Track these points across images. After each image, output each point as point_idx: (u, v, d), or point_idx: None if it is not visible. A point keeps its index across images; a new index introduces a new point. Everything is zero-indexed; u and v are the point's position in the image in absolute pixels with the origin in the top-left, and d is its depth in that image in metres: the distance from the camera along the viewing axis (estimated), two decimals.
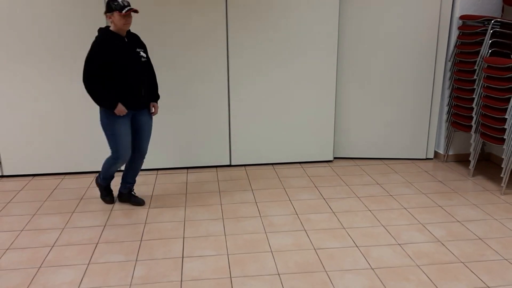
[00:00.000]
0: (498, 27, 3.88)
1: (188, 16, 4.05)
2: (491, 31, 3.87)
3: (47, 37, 3.95)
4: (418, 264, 2.73)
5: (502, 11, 4.27)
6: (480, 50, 3.96)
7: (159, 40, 4.07)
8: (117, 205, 3.60)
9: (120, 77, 3.15)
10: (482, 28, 3.94)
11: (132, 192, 3.61)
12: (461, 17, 4.21)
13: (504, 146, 3.71)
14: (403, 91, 4.46)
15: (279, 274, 2.63)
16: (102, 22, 3.96)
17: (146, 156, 4.33)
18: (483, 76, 3.91)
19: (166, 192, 3.85)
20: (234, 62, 4.21)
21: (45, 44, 3.96)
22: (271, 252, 2.88)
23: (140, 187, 3.97)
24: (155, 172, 4.35)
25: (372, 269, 2.68)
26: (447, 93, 4.46)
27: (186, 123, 4.31)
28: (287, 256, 2.83)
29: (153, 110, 3.43)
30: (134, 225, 3.26)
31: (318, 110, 4.42)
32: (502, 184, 3.79)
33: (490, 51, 3.89)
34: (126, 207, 3.56)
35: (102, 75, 3.10)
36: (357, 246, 2.95)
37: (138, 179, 4.15)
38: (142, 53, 3.25)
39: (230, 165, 4.48)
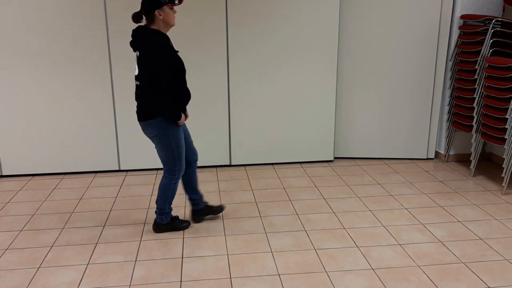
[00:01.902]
0: (499, 26, 3.87)
1: (188, 18, 4.04)
2: (492, 31, 3.86)
3: (47, 38, 3.94)
4: (419, 264, 2.72)
5: (503, 10, 4.26)
6: (481, 49, 3.95)
7: None
8: (116, 205, 3.59)
9: (181, 81, 2.85)
10: (483, 28, 3.93)
11: (207, 203, 3.30)
12: (462, 17, 4.20)
13: (505, 146, 3.70)
14: (403, 91, 4.45)
15: (279, 275, 2.62)
16: (102, 24, 3.95)
17: (146, 156, 4.33)
18: (484, 75, 3.90)
19: None
20: (234, 62, 4.20)
21: (45, 45, 3.96)
22: (271, 252, 2.87)
23: (140, 187, 3.96)
24: (155, 172, 4.34)
25: (373, 269, 2.67)
26: (447, 92, 4.45)
27: (186, 123, 4.30)
28: (287, 256, 2.82)
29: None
30: (133, 225, 3.26)
31: (318, 109, 4.41)
32: (503, 184, 3.78)
33: (491, 50, 3.88)
34: (126, 207, 3.55)
35: (168, 82, 2.75)
36: (357, 246, 2.94)
37: (138, 179, 4.15)
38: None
39: (230, 165, 4.48)
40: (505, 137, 3.70)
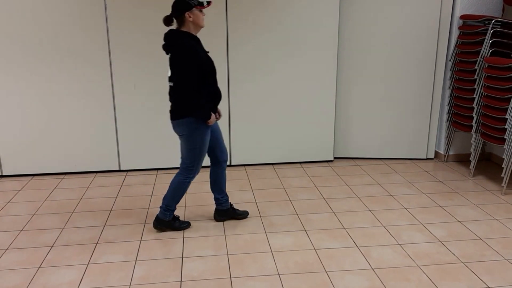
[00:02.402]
0: (499, 26, 3.87)
1: None
2: (492, 31, 3.86)
3: (46, 38, 3.95)
4: (419, 264, 2.73)
5: (503, 10, 4.27)
6: (480, 50, 3.95)
7: (158, 40, 4.07)
8: (117, 205, 3.59)
9: (211, 82, 2.90)
10: (483, 28, 3.94)
11: (232, 206, 3.33)
12: (462, 17, 4.20)
13: (505, 146, 3.71)
14: (403, 91, 4.46)
15: (279, 275, 2.62)
16: (102, 24, 3.95)
17: (146, 156, 4.33)
18: (483, 76, 3.90)
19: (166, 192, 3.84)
20: (234, 62, 4.20)
21: (45, 45, 3.96)
22: (271, 252, 2.87)
23: (140, 187, 3.97)
24: (155, 172, 4.34)
25: (373, 269, 2.68)
26: (447, 93, 4.46)
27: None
28: (287, 256, 2.82)
29: (218, 115, 3.11)
30: (133, 225, 3.26)
31: (318, 110, 4.41)
32: (503, 184, 3.78)
33: (490, 51, 3.89)
34: (126, 207, 3.56)
35: (198, 83, 2.82)
36: (357, 246, 2.94)
37: (138, 179, 4.15)
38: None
39: (230, 165, 4.48)
40: (505, 137, 3.70)
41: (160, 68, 4.13)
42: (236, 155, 4.45)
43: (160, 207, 3.12)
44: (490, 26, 3.86)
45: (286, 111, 4.39)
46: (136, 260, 2.79)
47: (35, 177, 4.22)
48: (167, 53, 2.88)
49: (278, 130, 4.43)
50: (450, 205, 3.56)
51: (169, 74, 2.88)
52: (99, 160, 4.28)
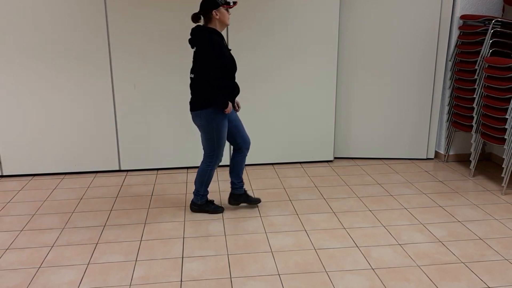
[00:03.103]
0: (499, 26, 3.87)
1: (186, 17, 4.05)
2: (492, 31, 3.86)
3: (46, 38, 3.95)
4: (419, 264, 2.73)
5: (503, 10, 4.27)
6: (480, 50, 3.95)
7: (158, 40, 4.07)
8: (117, 205, 3.59)
9: (231, 76, 3.10)
10: (483, 28, 3.94)
11: (246, 191, 3.54)
12: (462, 17, 4.20)
13: (505, 146, 3.71)
14: (403, 91, 4.46)
15: (279, 275, 2.62)
16: (102, 24, 3.95)
17: (146, 156, 4.33)
18: (483, 76, 3.90)
19: (166, 192, 3.84)
20: None
21: (45, 46, 3.96)
22: (271, 252, 2.87)
23: (140, 187, 3.97)
24: (155, 172, 4.34)
25: (373, 269, 2.68)
26: (447, 93, 4.46)
27: (186, 123, 4.30)
28: (287, 256, 2.82)
29: (238, 107, 3.36)
30: (134, 225, 3.26)
31: (318, 110, 4.41)
32: (503, 184, 3.78)
33: (490, 51, 3.89)
34: (126, 207, 3.56)
35: (221, 76, 3.02)
36: (357, 246, 2.94)
37: (138, 179, 4.15)
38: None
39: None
40: (505, 137, 3.70)
41: (160, 68, 4.13)
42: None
43: (193, 192, 3.43)
44: (490, 26, 3.86)
45: (286, 111, 4.39)
46: (136, 260, 2.79)
47: (35, 177, 4.22)
48: (192, 47, 3.08)
49: (278, 130, 4.43)
50: (450, 205, 3.56)
51: (192, 66, 3.09)
52: (99, 160, 4.28)
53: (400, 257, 2.81)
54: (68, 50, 4.00)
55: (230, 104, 3.09)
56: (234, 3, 3.06)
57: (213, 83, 2.98)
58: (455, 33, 4.29)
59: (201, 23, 3.08)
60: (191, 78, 3.13)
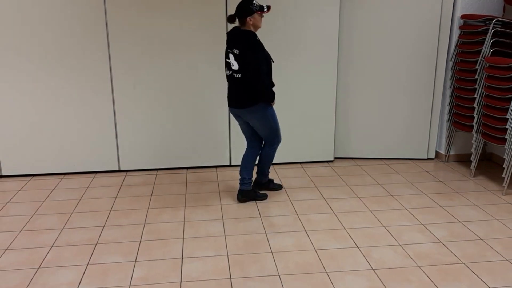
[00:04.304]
0: (500, 26, 3.87)
1: (187, 15, 4.04)
2: (493, 31, 3.85)
3: (45, 38, 3.94)
4: (419, 265, 2.72)
5: (503, 10, 4.26)
6: (481, 49, 3.95)
7: (158, 40, 4.06)
8: (116, 206, 3.58)
9: (270, 73, 3.36)
10: (484, 28, 3.93)
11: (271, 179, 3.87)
12: (462, 17, 4.19)
13: (506, 146, 3.70)
14: (404, 91, 4.45)
15: (279, 275, 2.61)
16: (100, 24, 3.94)
17: (146, 156, 4.33)
18: (484, 75, 3.90)
19: (166, 192, 3.84)
20: None
21: (45, 46, 3.95)
22: (271, 252, 2.86)
23: (140, 187, 3.96)
24: (155, 172, 4.33)
25: (373, 270, 2.67)
26: (448, 92, 4.45)
27: (186, 123, 4.29)
28: (288, 256, 2.81)
29: None
30: (133, 225, 3.25)
31: (318, 110, 4.40)
32: (504, 185, 3.77)
33: (491, 50, 3.88)
34: (126, 207, 3.55)
35: (266, 73, 3.30)
36: (357, 246, 2.93)
37: (138, 179, 4.15)
38: None
39: (230, 165, 4.47)
40: (506, 137, 3.69)
41: (160, 68, 4.12)
42: (236, 155, 4.44)
43: (256, 173, 3.73)
44: (491, 25, 3.85)
45: (286, 111, 4.38)
46: (135, 261, 2.78)
47: (35, 177, 4.21)
48: (231, 48, 3.30)
49: None
50: (450, 206, 3.55)
51: (235, 67, 3.29)
52: (98, 160, 4.27)
53: (401, 257, 2.80)
54: (67, 51, 3.99)
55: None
56: (268, 8, 3.28)
57: (264, 81, 3.26)
58: (456, 32, 4.28)
59: (237, 24, 3.33)
60: (236, 78, 3.31)
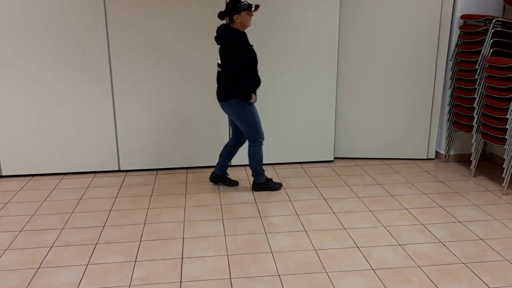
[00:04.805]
0: (499, 26, 3.87)
1: (188, 14, 4.04)
2: (492, 31, 3.85)
3: (45, 38, 3.94)
4: (419, 265, 2.72)
5: (503, 10, 4.26)
6: (481, 49, 3.95)
7: (158, 39, 4.06)
8: (116, 206, 3.58)
9: (253, 70, 3.46)
10: (483, 28, 3.93)
11: (227, 175, 3.96)
12: (462, 17, 4.19)
13: (506, 146, 3.70)
14: (404, 91, 4.45)
15: (279, 275, 2.61)
16: (100, 24, 3.94)
17: (146, 156, 4.32)
18: (484, 75, 3.89)
19: (166, 192, 3.84)
20: None
21: (45, 46, 3.95)
22: (271, 252, 2.86)
23: (140, 187, 3.96)
24: (155, 172, 4.33)
25: (373, 269, 2.67)
26: (448, 92, 4.45)
27: (186, 123, 4.29)
28: (287, 256, 2.81)
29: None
30: (133, 225, 3.25)
31: (318, 110, 4.40)
32: (504, 185, 3.77)
33: (491, 50, 3.88)
34: (125, 207, 3.55)
35: (245, 70, 3.39)
36: (357, 246, 2.93)
37: (138, 179, 4.14)
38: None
39: (230, 165, 4.47)
40: (506, 137, 3.69)
41: (160, 67, 4.12)
42: (236, 155, 4.43)
43: (252, 175, 3.79)
44: (491, 25, 3.85)
45: (286, 111, 4.38)
46: (135, 261, 2.78)
47: (35, 178, 4.21)
48: (218, 44, 3.46)
49: (278, 130, 4.42)
50: (450, 206, 3.55)
51: (219, 61, 3.47)
52: (98, 160, 4.27)
53: (401, 257, 2.80)
54: (67, 51, 3.99)
55: (253, 95, 3.47)
56: (256, 7, 3.35)
57: (238, 78, 3.36)
58: (456, 32, 4.28)
59: (226, 21, 3.42)
60: (218, 71, 3.52)
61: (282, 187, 3.88)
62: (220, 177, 3.92)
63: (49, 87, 4.05)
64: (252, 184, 3.84)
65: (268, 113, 4.37)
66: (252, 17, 3.45)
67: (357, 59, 4.39)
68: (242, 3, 3.31)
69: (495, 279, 2.57)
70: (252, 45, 3.47)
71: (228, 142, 3.85)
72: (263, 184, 3.80)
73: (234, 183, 3.95)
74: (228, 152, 3.83)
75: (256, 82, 3.53)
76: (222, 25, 3.44)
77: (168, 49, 4.09)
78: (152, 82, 4.16)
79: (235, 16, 3.33)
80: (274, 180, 4.03)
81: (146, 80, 4.14)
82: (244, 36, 3.42)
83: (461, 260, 2.77)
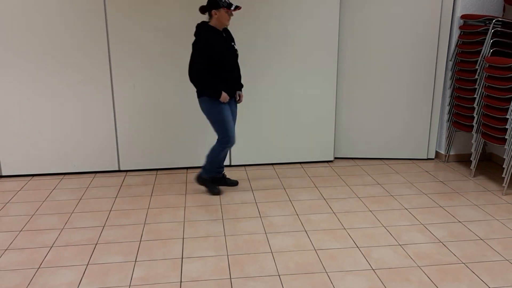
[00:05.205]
0: (499, 26, 3.87)
1: (187, 15, 4.04)
2: (492, 31, 3.85)
3: (45, 38, 3.94)
4: (419, 265, 2.72)
5: (503, 10, 4.26)
6: (481, 49, 3.94)
7: (158, 40, 4.06)
8: (116, 206, 3.58)
9: (222, 68, 3.40)
10: (483, 28, 3.93)
11: (225, 175, 3.92)
12: (462, 17, 4.19)
13: (506, 146, 3.70)
14: (404, 91, 4.45)
15: (279, 275, 2.61)
16: (101, 24, 3.94)
17: (146, 156, 4.32)
18: (484, 75, 3.89)
19: (166, 192, 3.84)
20: None
21: (45, 45, 3.95)
22: (271, 252, 2.86)
23: (140, 187, 3.96)
24: (155, 172, 4.33)
25: (373, 269, 2.67)
26: (448, 92, 4.45)
27: (186, 123, 4.29)
28: (287, 256, 2.81)
29: (238, 98, 3.67)
30: (133, 225, 3.25)
31: (318, 110, 4.40)
32: (504, 185, 3.77)
33: (491, 50, 3.88)
34: (125, 207, 3.55)
35: (208, 66, 3.35)
36: (357, 246, 2.93)
37: (138, 179, 4.14)
38: (235, 47, 3.53)
39: (230, 165, 4.47)
40: (506, 137, 3.69)
41: (160, 67, 4.12)
42: (236, 155, 4.44)
43: (202, 166, 3.73)
44: (491, 25, 3.85)
45: (286, 111, 4.38)
46: (135, 261, 2.78)
47: (35, 178, 4.21)
48: None
49: (278, 130, 4.42)
50: (450, 206, 3.55)
51: None
52: (98, 160, 4.27)
53: (401, 257, 2.80)
54: (67, 51, 3.99)
55: (224, 94, 3.41)
56: (236, 8, 3.33)
57: (199, 74, 3.33)
58: (456, 32, 4.28)
59: (207, 18, 3.43)
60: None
61: (219, 195, 3.76)
62: (220, 180, 3.88)
63: (49, 87, 4.05)
64: (197, 175, 3.81)
65: (268, 113, 4.37)
66: (232, 17, 3.45)
67: (357, 59, 4.39)
68: (223, 1, 3.31)
69: (495, 279, 2.57)
70: (234, 44, 3.49)
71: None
72: (205, 181, 3.76)
73: (234, 183, 3.93)
74: (211, 151, 3.71)
75: (227, 81, 3.46)
76: (202, 22, 3.44)
77: (168, 49, 4.09)
78: (152, 82, 4.16)
79: (213, 11, 3.33)
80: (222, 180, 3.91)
81: (146, 81, 4.14)
82: (216, 33, 3.37)
83: (461, 260, 2.77)
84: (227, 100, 3.45)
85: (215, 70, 3.38)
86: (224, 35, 3.45)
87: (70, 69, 4.03)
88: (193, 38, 4.11)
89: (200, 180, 3.77)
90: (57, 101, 4.09)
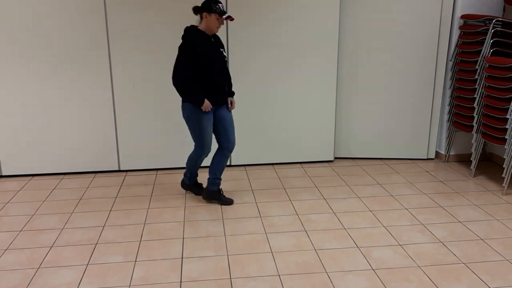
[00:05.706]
0: (499, 26, 3.87)
1: (187, 16, 4.04)
2: (492, 31, 3.85)
3: (45, 39, 3.94)
4: (419, 265, 2.72)
5: (503, 10, 4.26)
6: (481, 49, 3.94)
7: (158, 40, 4.06)
8: (116, 206, 3.58)
9: (208, 74, 3.27)
10: (483, 28, 3.93)
11: (221, 190, 3.64)
12: (462, 17, 4.19)
13: (506, 146, 3.70)
14: (404, 91, 4.45)
15: (279, 275, 2.61)
16: (102, 24, 3.94)
17: (146, 156, 4.32)
18: (484, 75, 3.89)
19: (166, 192, 3.84)
20: (234, 62, 4.19)
21: (44, 46, 3.95)
22: (271, 252, 2.86)
23: (140, 187, 3.96)
24: (155, 172, 4.33)
25: (373, 270, 2.67)
26: (448, 92, 4.45)
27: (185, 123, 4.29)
28: (288, 256, 2.81)
29: (230, 105, 3.51)
30: (133, 225, 3.25)
31: (318, 110, 4.40)
32: (504, 185, 3.77)
33: (491, 50, 3.88)
34: (125, 207, 3.55)
35: (192, 72, 3.23)
36: (358, 246, 2.93)
37: (139, 179, 4.14)
38: (224, 53, 3.39)
39: (230, 165, 4.47)
40: (506, 137, 3.69)
41: (159, 68, 4.12)
42: (236, 155, 4.44)
43: (208, 180, 3.60)
44: (491, 25, 3.85)
45: (286, 111, 4.38)
46: (135, 261, 2.78)
47: (35, 177, 4.21)
48: None
49: (278, 130, 4.42)
50: (451, 206, 3.55)
51: None
52: (98, 160, 4.27)
53: (401, 257, 2.80)
54: (67, 51, 3.99)
55: (207, 102, 3.26)
56: (228, 18, 3.23)
57: (183, 80, 3.21)
58: (456, 32, 4.28)
59: (198, 21, 3.32)
60: None
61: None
62: (214, 193, 3.60)
63: (49, 87, 4.05)
64: (181, 181, 3.79)
65: (268, 113, 4.37)
66: (222, 25, 3.30)
67: (357, 59, 4.39)
68: (217, 6, 3.19)
69: (495, 279, 2.57)
70: (223, 50, 3.33)
71: (215, 153, 3.58)
72: (213, 195, 3.57)
73: (229, 201, 3.61)
74: (214, 161, 3.56)
75: (211, 87, 3.29)
76: (191, 26, 3.30)
77: (168, 49, 4.09)
78: (152, 82, 4.16)
79: (205, 14, 3.21)
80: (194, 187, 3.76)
81: (146, 81, 4.14)
82: (204, 37, 3.24)
83: (461, 260, 2.77)
84: (209, 109, 3.29)
85: (199, 75, 3.24)
86: (213, 40, 3.31)
87: (71, 70, 4.03)
88: None
89: (209, 196, 3.57)
90: (57, 101, 4.09)
